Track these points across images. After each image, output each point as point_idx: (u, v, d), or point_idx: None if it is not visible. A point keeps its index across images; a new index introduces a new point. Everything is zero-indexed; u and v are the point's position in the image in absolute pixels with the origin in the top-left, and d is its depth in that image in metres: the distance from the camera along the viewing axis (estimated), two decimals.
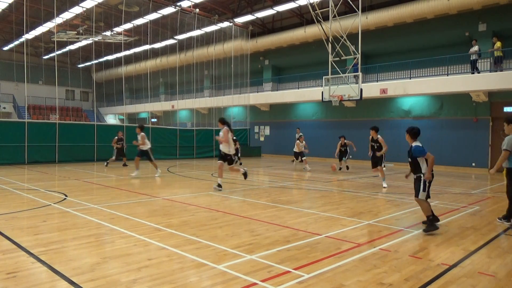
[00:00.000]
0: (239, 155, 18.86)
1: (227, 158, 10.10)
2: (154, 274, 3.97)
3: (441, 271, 4.23)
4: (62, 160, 18.05)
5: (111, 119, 42.51)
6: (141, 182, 11.96)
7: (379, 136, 11.39)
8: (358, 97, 15.18)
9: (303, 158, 16.65)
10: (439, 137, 19.00)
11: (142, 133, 13.06)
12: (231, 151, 10.09)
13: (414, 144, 6.04)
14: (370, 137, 11.57)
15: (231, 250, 4.81)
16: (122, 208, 7.56)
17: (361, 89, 15.18)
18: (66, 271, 4.00)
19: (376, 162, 11.47)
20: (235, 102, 27.01)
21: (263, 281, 3.82)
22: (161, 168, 16.62)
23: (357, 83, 15.47)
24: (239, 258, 4.51)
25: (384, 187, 11.09)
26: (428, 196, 5.95)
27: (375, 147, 11.40)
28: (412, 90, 18.69)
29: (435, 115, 19.32)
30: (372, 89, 19.51)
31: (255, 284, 3.75)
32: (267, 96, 26.56)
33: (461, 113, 18.47)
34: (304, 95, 23.40)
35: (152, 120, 37.01)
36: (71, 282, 3.72)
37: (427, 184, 5.88)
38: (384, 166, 11.69)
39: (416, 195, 5.99)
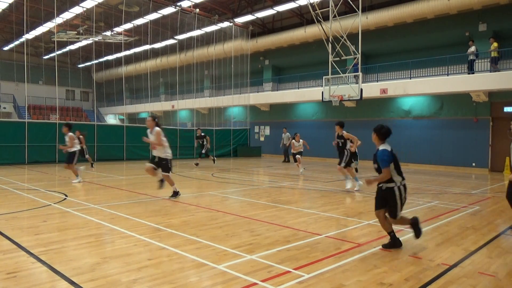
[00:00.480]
0: (203, 151, 17.65)
1: (161, 164, 8.46)
2: (154, 274, 3.98)
3: (441, 271, 4.23)
4: (62, 160, 17.99)
5: (111, 119, 42.50)
6: (141, 182, 11.96)
7: (344, 131, 10.33)
8: (358, 97, 15.18)
9: (296, 157, 14.91)
10: (439, 137, 19.00)
11: (70, 133, 11.41)
12: (168, 154, 8.54)
13: (381, 147, 4.99)
14: (336, 133, 10.48)
15: (231, 250, 4.82)
16: (122, 208, 7.56)
17: (361, 89, 15.18)
18: (66, 271, 4.00)
19: (346, 161, 10.36)
20: (235, 102, 27.02)
21: (263, 281, 3.82)
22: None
23: (357, 83, 15.47)
24: (239, 258, 4.51)
25: (356, 190, 10.24)
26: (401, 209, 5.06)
27: (340, 144, 10.41)
28: (412, 90, 18.69)
29: (435, 115, 19.32)
30: (372, 89, 19.51)
31: (255, 284, 3.75)
32: (267, 96, 26.56)
33: (461, 113, 18.46)
34: (304, 95, 23.40)
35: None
36: (71, 282, 3.72)
37: (404, 196, 4.94)
38: (356, 165, 10.45)
39: (394, 215, 4.96)
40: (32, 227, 5.92)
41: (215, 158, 18.37)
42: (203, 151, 17.72)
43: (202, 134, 18.13)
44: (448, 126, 18.81)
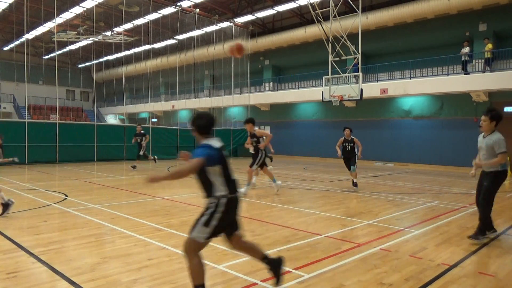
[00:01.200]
0: (141, 152, 15.54)
1: None
2: (154, 274, 3.97)
3: (441, 271, 4.23)
4: (62, 160, 18.05)
5: (111, 119, 42.51)
6: (139, 182, 11.96)
7: (256, 128, 9.62)
8: (358, 97, 15.17)
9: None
10: (439, 137, 19.00)
11: None
12: None
13: (203, 142, 3.44)
14: (248, 132, 9.90)
15: (231, 250, 4.81)
16: (122, 208, 7.56)
17: (361, 89, 15.17)
18: (66, 271, 4.00)
19: (259, 163, 9.72)
20: (235, 102, 27.01)
21: (263, 281, 3.82)
22: (162, 167, 16.62)
23: (357, 83, 15.47)
24: (239, 258, 4.51)
25: (243, 192, 9.16)
26: (213, 235, 3.38)
27: (254, 144, 9.74)
28: (412, 90, 18.68)
29: (435, 115, 19.31)
30: (372, 89, 19.50)
31: (255, 284, 3.76)
32: (267, 96, 26.55)
33: (461, 113, 18.46)
34: (304, 95, 23.40)
35: (153, 120, 37.02)
36: (71, 282, 3.72)
37: (216, 216, 3.34)
38: (265, 166, 9.77)
39: (191, 231, 3.43)
40: (32, 227, 5.92)
41: (155, 157, 16.76)
42: (141, 152, 15.64)
43: (142, 131, 15.97)
44: (448, 126, 18.81)
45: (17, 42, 32.58)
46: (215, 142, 3.46)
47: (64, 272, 3.97)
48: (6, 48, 35.79)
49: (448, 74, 18.25)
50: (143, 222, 6.34)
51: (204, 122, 3.51)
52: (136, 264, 4.26)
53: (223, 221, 3.41)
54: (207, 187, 3.43)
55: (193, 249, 3.38)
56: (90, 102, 43.29)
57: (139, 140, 15.68)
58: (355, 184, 10.51)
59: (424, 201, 8.92)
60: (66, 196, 8.84)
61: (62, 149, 18.19)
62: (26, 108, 28.27)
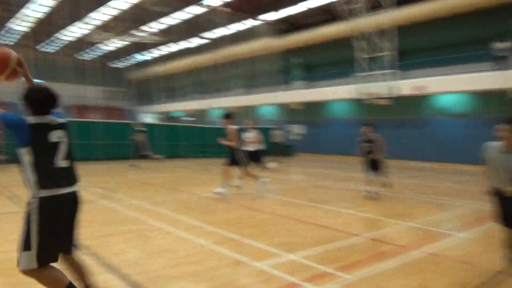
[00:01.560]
0: (147, 152, 14.67)
1: None
2: (194, 271, 4.03)
3: (489, 276, 4.05)
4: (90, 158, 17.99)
5: (147, 118, 43.58)
6: (177, 180, 12.19)
7: (229, 126, 8.62)
8: (392, 95, 14.74)
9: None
10: (478, 136, 18.01)
11: None
12: None
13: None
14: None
15: (270, 249, 4.81)
16: (162, 203, 7.73)
17: (396, 87, 14.72)
18: (113, 264, 4.13)
19: (236, 161, 8.63)
20: (267, 100, 27.00)
21: (303, 280, 3.79)
22: (199, 166, 16.87)
23: (391, 80, 15.04)
24: (278, 257, 4.50)
25: (237, 186, 8.94)
26: (49, 256, 2.69)
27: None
28: (450, 87, 17.88)
29: (475, 113, 18.41)
30: (407, 86, 18.85)
31: (294, 283, 3.74)
32: (299, 94, 26.34)
33: (504, 111, 17.51)
34: (337, 92, 22.98)
35: (189, 119, 37.56)
36: (118, 275, 3.84)
37: (35, 229, 2.53)
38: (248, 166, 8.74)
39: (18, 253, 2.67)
40: None
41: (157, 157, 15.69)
42: (147, 152, 14.95)
43: (143, 129, 15.16)
44: (488, 125, 17.86)
45: (56, 44, 34.04)
46: (38, 119, 2.57)
47: (111, 265, 4.12)
48: (47, 50, 37.50)
49: (489, 70, 17.36)
50: (181, 219, 6.45)
51: (39, 108, 2.63)
52: (175, 260, 4.36)
53: (51, 232, 2.51)
54: (22, 175, 2.55)
55: (32, 276, 2.61)
56: (127, 101, 44.56)
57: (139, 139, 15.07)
58: (375, 193, 8.91)
59: (468, 203, 8.56)
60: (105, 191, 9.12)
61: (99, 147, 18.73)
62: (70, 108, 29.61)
